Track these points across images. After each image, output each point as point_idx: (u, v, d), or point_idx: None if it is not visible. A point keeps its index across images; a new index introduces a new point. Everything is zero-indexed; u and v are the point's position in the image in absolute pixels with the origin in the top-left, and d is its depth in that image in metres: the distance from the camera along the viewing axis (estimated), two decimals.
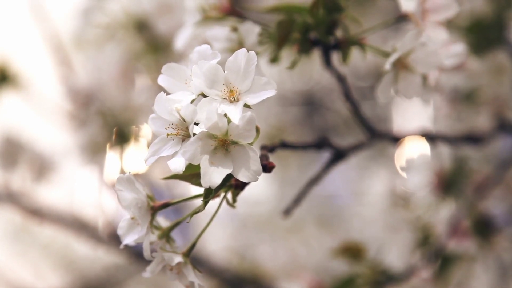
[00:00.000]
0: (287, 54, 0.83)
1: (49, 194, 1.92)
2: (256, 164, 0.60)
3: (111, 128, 1.67)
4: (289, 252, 2.18)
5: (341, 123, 2.11)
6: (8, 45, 1.99)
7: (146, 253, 0.65)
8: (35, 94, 1.80)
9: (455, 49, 0.84)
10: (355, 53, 0.83)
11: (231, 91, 0.62)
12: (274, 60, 0.81)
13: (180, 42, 0.83)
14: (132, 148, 1.65)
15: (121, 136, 1.66)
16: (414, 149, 1.35)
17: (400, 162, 1.60)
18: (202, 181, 0.60)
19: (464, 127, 1.33)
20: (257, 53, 0.77)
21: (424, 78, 0.81)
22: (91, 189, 2.01)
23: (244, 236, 2.24)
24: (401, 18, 0.80)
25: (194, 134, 0.60)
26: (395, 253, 1.34)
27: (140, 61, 1.71)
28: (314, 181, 0.92)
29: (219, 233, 2.22)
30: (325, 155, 0.95)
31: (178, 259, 0.65)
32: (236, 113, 0.60)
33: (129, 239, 0.66)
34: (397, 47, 0.76)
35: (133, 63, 1.72)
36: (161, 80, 0.66)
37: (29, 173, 1.85)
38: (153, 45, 1.66)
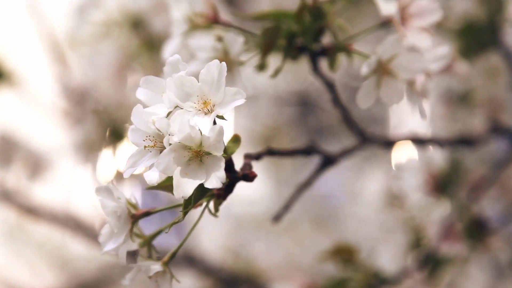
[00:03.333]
0: (278, 61, 0.83)
1: (44, 192, 1.92)
2: (220, 171, 0.60)
3: (106, 126, 1.67)
4: (284, 251, 2.18)
5: (336, 123, 2.11)
6: (3, 42, 1.99)
7: (123, 261, 0.66)
8: (30, 91, 1.80)
9: (440, 52, 0.83)
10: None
11: (204, 102, 0.62)
12: (261, 67, 0.81)
13: (168, 52, 0.83)
14: (126, 147, 1.65)
15: (116, 134, 1.66)
16: (407, 152, 1.35)
17: (394, 165, 1.60)
18: (175, 192, 0.61)
19: (459, 129, 1.33)
20: (242, 62, 0.78)
21: (411, 84, 0.81)
22: (86, 187, 2.01)
23: (239, 235, 2.24)
24: (385, 24, 0.80)
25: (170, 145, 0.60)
26: (388, 255, 1.34)
27: (136, 59, 1.70)
28: (304, 186, 0.92)
29: (215, 233, 2.22)
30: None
31: (156, 268, 0.65)
32: (206, 125, 0.60)
33: (108, 247, 0.66)
34: (378, 51, 0.76)
35: (129, 61, 1.72)
36: (139, 94, 0.66)
37: (24, 171, 1.85)
38: (148, 43, 1.65)
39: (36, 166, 1.87)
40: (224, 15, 0.83)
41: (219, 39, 0.78)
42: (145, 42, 1.66)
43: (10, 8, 2.16)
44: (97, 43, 1.74)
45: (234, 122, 2.35)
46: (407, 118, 1.96)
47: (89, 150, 1.69)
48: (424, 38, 0.78)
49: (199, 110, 0.62)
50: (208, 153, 0.61)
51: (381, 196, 1.66)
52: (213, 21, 0.80)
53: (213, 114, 0.61)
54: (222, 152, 0.60)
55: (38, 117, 1.90)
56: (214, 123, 0.61)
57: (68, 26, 1.73)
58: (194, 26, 0.81)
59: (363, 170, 2.09)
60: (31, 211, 1.81)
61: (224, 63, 0.61)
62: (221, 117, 0.62)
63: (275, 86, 2.14)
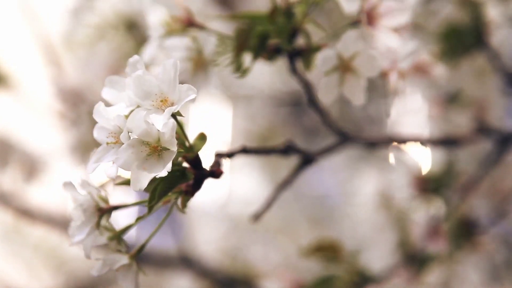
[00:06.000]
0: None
1: (40, 194, 1.92)
2: (170, 162, 0.62)
3: None
4: (281, 253, 2.18)
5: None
6: None
7: (86, 253, 0.67)
8: (25, 94, 1.81)
9: (408, 48, 0.83)
10: None
11: (162, 100, 0.63)
12: (239, 70, 0.82)
13: (147, 55, 0.86)
14: None
15: None
16: (396, 152, 1.35)
17: (386, 165, 1.61)
18: (132, 186, 0.63)
19: (446, 130, 1.33)
20: (215, 61, 0.80)
21: (385, 81, 0.82)
22: None
23: (236, 236, 2.23)
24: (357, 23, 0.80)
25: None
26: (377, 254, 1.34)
27: None
28: (283, 186, 0.93)
29: (211, 234, 2.23)
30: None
31: (122, 261, 0.66)
32: (159, 121, 0.61)
33: (75, 239, 0.68)
34: (337, 46, 0.77)
35: (123, 62, 1.72)
36: (105, 93, 0.67)
37: (20, 173, 1.86)
38: (143, 45, 1.65)
39: (32, 168, 1.87)
40: (203, 17, 0.85)
41: (194, 39, 0.80)
42: (139, 44, 1.66)
43: (4, 11, 2.16)
44: (92, 45, 1.75)
45: (231, 123, 2.36)
46: (405, 118, 1.96)
47: (84, 152, 1.69)
48: (393, 38, 0.79)
49: (158, 108, 0.63)
50: (166, 149, 0.63)
51: (376, 197, 1.66)
52: (188, 24, 0.82)
53: (167, 111, 0.62)
54: (176, 147, 0.62)
55: (34, 119, 1.91)
56: (175, 119, 0.62)
57: (62, 29, 1.74)
58: (170, 30, 0.83)
59: (359, 170, 2.09)
60: (28, 213, 1.82)
61: (178, 62, 0.63)
62: (179, 114, 0.64)
63: (271, 86, 2.15)
